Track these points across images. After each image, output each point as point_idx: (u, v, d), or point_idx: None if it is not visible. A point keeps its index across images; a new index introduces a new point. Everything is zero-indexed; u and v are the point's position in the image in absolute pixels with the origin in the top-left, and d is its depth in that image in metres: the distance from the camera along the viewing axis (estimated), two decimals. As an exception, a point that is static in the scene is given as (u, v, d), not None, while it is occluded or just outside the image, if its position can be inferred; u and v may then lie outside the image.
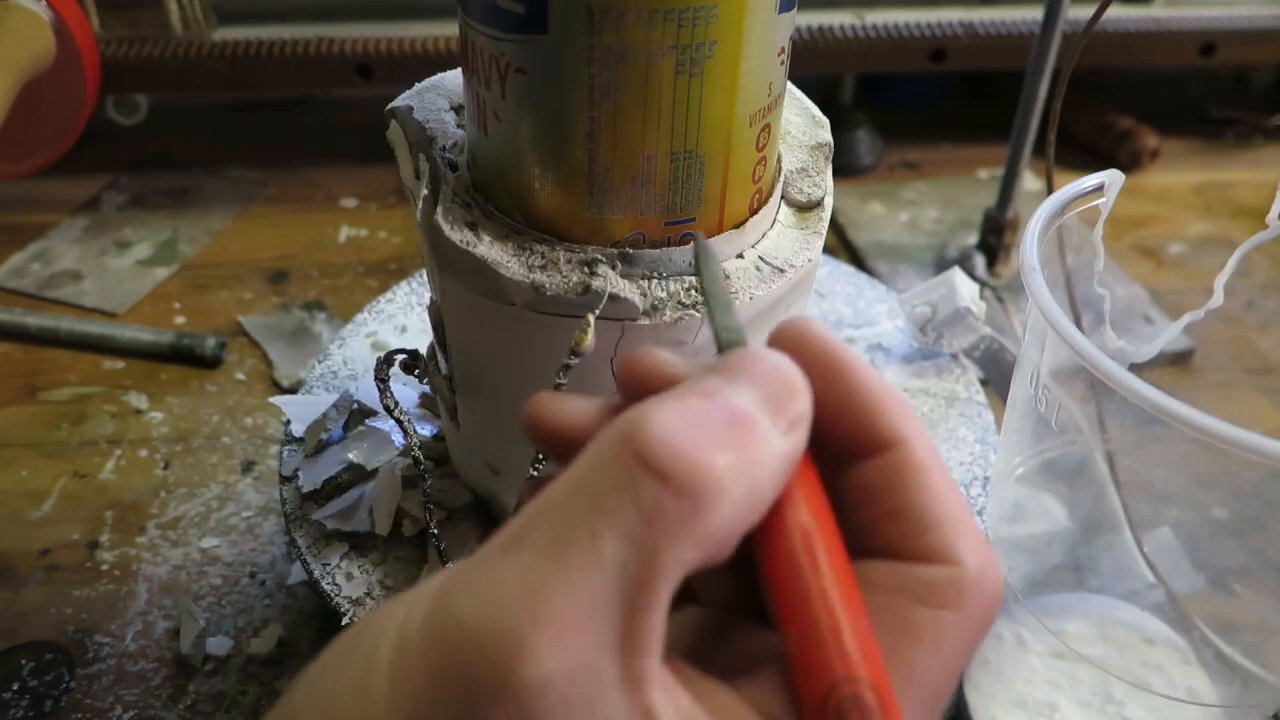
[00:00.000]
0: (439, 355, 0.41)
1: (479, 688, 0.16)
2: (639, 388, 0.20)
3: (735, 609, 0.21)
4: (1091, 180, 0.36)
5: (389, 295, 0.55)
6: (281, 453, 0.45)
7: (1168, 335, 0.38)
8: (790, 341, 0.20)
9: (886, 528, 0.19)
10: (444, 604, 0.17)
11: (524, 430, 0.21)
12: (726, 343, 0.21)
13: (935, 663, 0.18)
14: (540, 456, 0.34)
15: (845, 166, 0.81)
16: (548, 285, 0.32)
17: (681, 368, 0.20)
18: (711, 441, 0.17)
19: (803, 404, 0.19)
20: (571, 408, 0.20)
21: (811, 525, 0.18)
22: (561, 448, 0.20)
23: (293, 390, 0.60)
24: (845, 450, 0.20)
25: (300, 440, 0.45)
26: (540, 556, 0.17)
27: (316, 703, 0.18)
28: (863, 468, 0.20)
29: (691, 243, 0.33)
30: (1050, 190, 0.45)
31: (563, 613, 0.16)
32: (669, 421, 0.17)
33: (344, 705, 0.17)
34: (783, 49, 0.31)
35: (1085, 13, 0.48)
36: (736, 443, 0.17)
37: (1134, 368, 0.33)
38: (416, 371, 0.41)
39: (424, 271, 0.56)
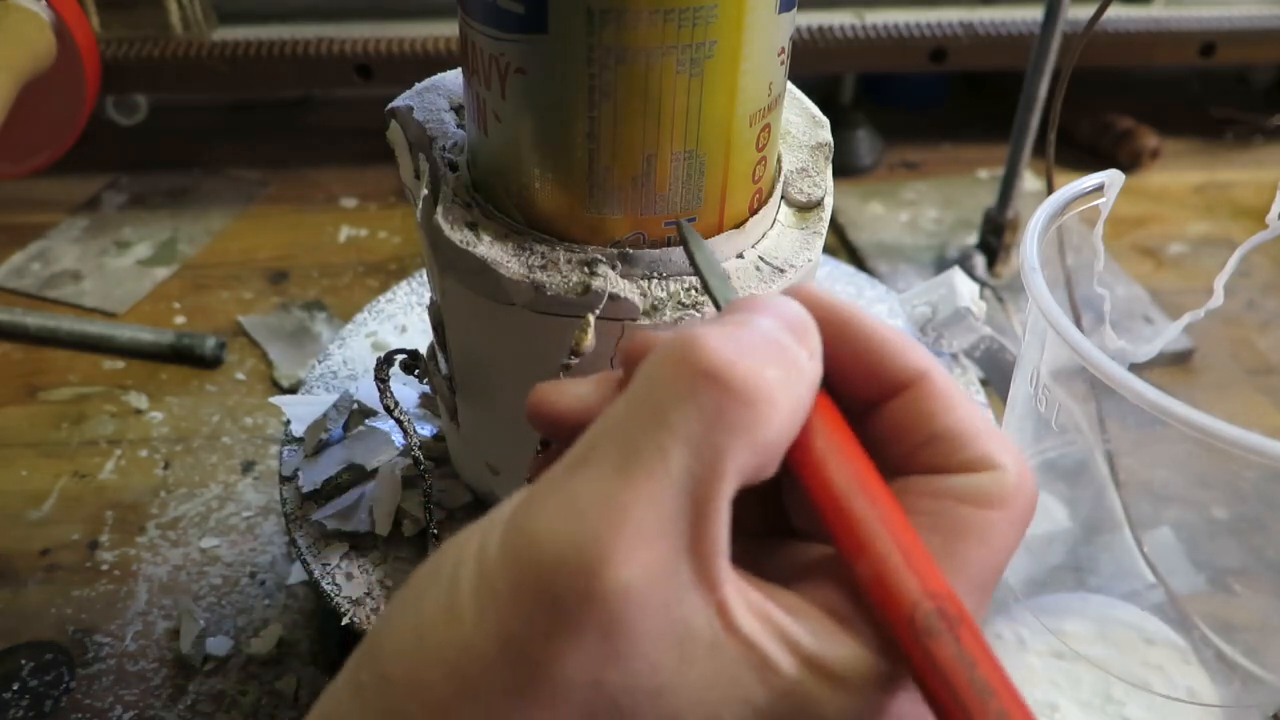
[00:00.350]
0: (439, 355, 0.41)
1: (564, 599, 0.17)
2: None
3: (767, 534, 0.22)
4: (1091, 180, 0.36)
5: (389, 295, 0.55)
6: (281, 453, 0.45)
7: (1168, 335, 0.38)
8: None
9: (923, 453, 0.20)
10: (520, 525, 0.18)
11: (529, 420, 0.22)
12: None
13: (984, 556, 0.19)
14: (539, 454, 0.34)
15: (845, 166, 0.81)
16: (548, 285, 0.32)
17: None
18: (761, 356, 0.18)
19: (817, 338, 0.20)
20: (572, 392, 0.22)
21: (856, 455, 0.20)
22: (567, 432, 0.21)
23: (293, 390, 0.60)
24: (868, 396, 0.21)
25: (300, 440, 0.45)
26: (609, 472, 0.17)
27: (405, 630, 0.19)
28: (889, 408, 0.21)
29: (678, 231, 0.33)
30: (1050, 190, 0.45)
31: (637, 521, 0.17)
32: (719, 339, 0.18)
33: (433, 630, 0.18)
34: (783, 49, 0.31)
35: (1085, 13, 0.48)
36: (780, 360, 0.19)
37: (1134, 368, 0.33)
38: (416, 371, 0.41)
39: (424, 271, 0.56)
